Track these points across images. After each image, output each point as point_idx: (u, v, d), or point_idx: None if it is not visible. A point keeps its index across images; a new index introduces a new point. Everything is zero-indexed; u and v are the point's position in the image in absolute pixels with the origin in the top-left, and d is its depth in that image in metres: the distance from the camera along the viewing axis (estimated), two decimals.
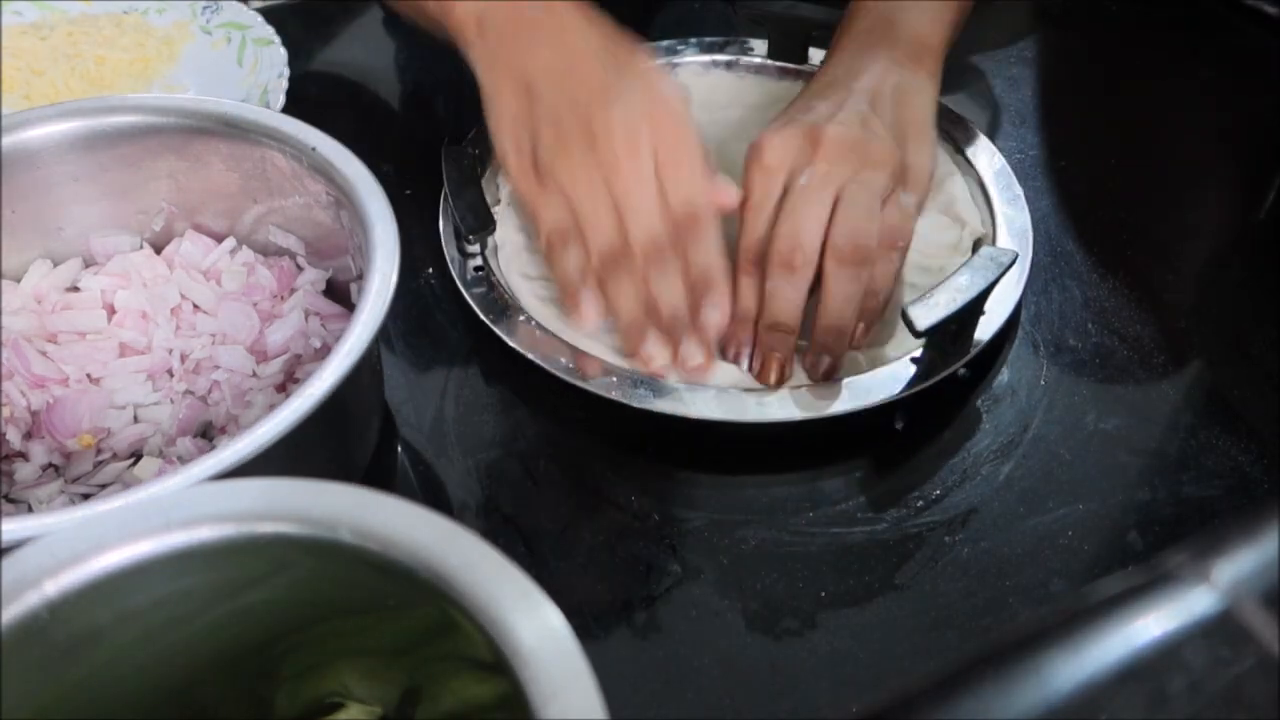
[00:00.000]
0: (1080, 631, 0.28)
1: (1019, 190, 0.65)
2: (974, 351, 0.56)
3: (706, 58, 0.73)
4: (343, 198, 0.52)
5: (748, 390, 0.55)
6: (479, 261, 0.60)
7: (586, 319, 0.55)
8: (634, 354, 0.55)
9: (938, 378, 0.55)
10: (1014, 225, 0.63)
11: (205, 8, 0.77)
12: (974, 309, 0.55)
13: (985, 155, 0.67)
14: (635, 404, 0.54)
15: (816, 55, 0.74)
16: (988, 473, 0.56)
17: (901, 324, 0.55)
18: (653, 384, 0.55)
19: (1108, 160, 0.73)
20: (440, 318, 0.62)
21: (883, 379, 0.55)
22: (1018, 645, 0.28)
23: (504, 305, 0.59)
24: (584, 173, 0.54)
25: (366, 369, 0.51)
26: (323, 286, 0.58)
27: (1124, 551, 0.53)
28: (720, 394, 0.54)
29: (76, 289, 0.57)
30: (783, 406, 0.54)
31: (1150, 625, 0.28)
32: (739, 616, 0.50)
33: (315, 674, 0.40)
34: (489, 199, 0.63)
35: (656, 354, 0.55)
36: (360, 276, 0.49)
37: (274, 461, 0.41)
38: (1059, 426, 0.57)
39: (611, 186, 0.54)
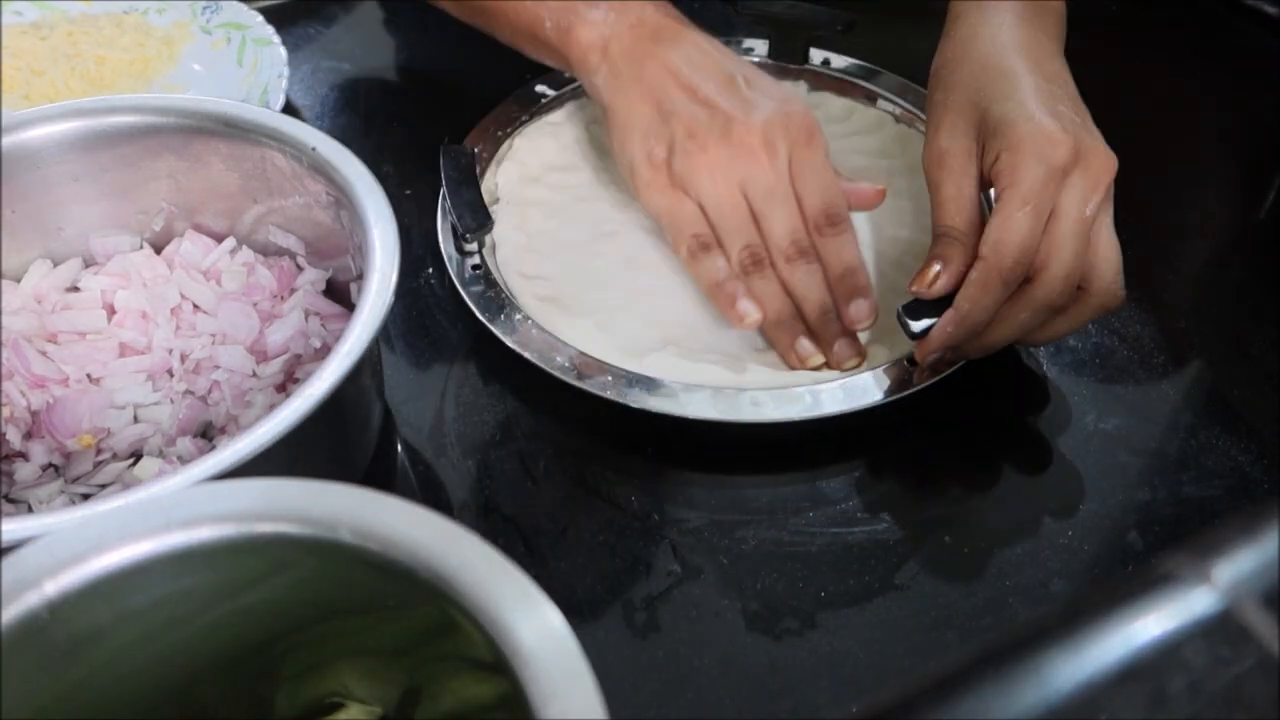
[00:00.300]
0: (1080, 631, 0.28)
1: None
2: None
3: None
4: (343, 198, 0.52)
5: (743, 390, 0.55)
6: (477, 260, 0.60)
7: (746, 320, 0.56)
8: (785, 352, 0.57)
9: (936, 379, 0.55)
10: None
11: (205, 8, 0.77)
12: None
13: None
14: (633, 404, 0.54)
15: (817, 55, 0.74)
16: (988, 473, 0.56)
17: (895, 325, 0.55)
18: (649, 384, 0.55)
19: None
20: (440, 318, 0.62)
21: (876, 381, 0.55)
22: (1018, 645, 0.28)
23: (501, 304, 0.59)
24: (723, 175, 0.56)
25: (366, 369, 0.51)
26: (323, 286, 0.58)
27: (1124, 551, 0.53)
28: (717, 394, 0.54)
29: (76, 289, 0.57)
30: (779, 406, 0.54)
31: (1150, 625, 0.28)
32: (739, 616, 0.50)
33: (315, 674, 0.40)
34: (486, 198, 0.63)
35: (810, 354, 0.57)
36: (360, 276, 0.49)
37: (274, 461, 0.41)
38: (1059, 426, 0.57)
39: (749, 190, 0.56)
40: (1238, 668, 0.27)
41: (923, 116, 0.70)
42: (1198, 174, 0.74)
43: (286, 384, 0.54)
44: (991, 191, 0.56)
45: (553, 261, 0.62)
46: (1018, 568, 0.51)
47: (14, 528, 0.38)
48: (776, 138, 0.56)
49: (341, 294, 0.57)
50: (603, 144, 0.69)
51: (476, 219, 0.60)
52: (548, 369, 0.56)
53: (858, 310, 0.56)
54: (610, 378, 0.55)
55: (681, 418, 0.54)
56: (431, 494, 0.55)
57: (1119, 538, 0.53)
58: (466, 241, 0.60)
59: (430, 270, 0.64)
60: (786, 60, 0.74)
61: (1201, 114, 0.78)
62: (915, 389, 0.55)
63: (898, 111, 0.72)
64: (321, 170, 0.52)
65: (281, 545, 0.34)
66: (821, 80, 0.74)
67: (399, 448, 0.57)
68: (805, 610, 0.50)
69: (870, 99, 0.73)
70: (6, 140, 0.54)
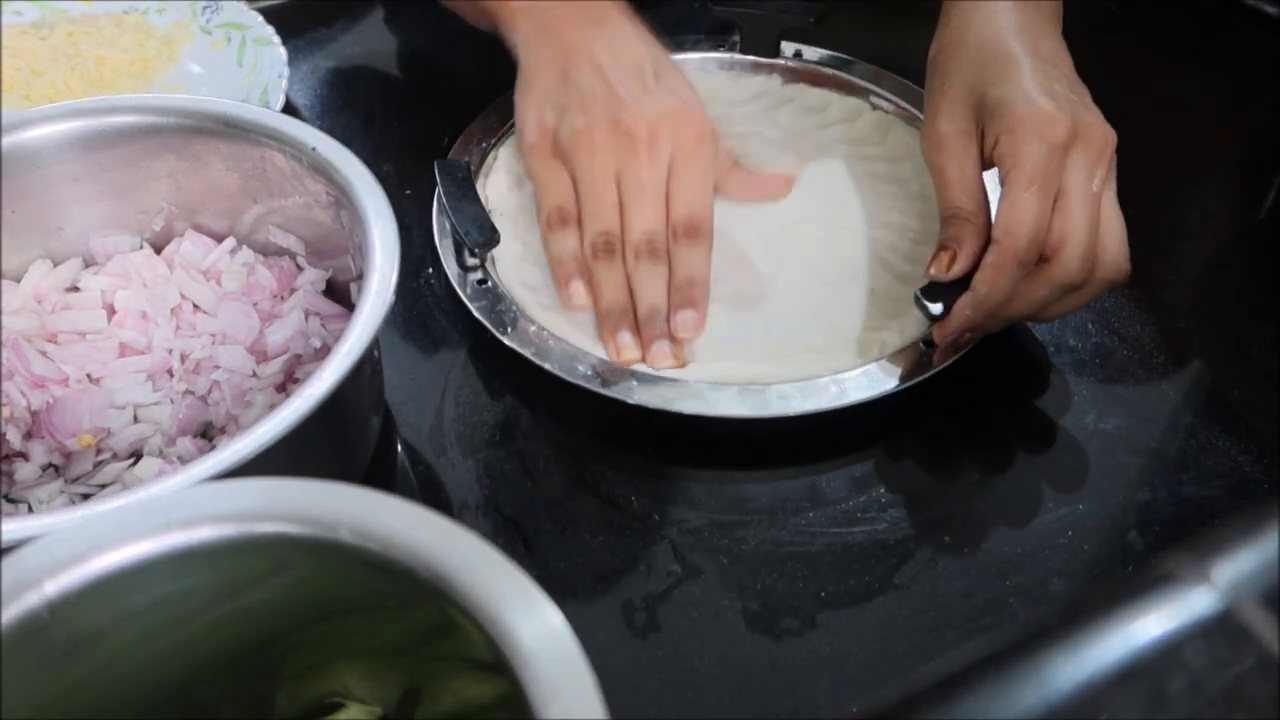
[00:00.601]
0: (1080, 631, 0.28)
1: (995, 171, 0.64)
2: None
3: (680, 55, 0.73)
4: (343, 198, 0.52)
5: (755, 386, 0.55)
6: (481, 275, 0.60)
7: (572, 301, 0.57)
8: (606, 339, 0.57)
9: (957, 356, 0.56)
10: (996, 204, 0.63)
11: (205, 8, 0.77)
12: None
13: None
14: (663, 407, 0.54)
15: (789, 49, 0.75)
16: (988, 473, 0.56)
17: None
18: (675, 386, 0.55)
19: None
20: (440, 318, 0.62)
21: (895, 366, 0.56)
22: (1018, 645, 0.28)
23: (513, 317, 0.58)
24: (601, 158, 0.57)
25: (366, 369, 0.51)
26: (323, 286, 0.58)
27: (1124, 551, 0.53)
28: (744, 391, 0.54)
29: (76, 289, 0.57)
30: (807, 398, 0.54)
31: (1150, 625, 0.28)
32: (739, 616, 0.50)
33: (315, 674, 0.40)
34: None
35: (627, 347, 0.56)
36: (360, 276, 0.49)
37: (274, 461, 0.41)
38: (1059, 427, 0.57)
39: (622, 179, 0.57)
40: (1238, 668, 0.27)
41: (901, 104, 0.71)
42: (1198, 174, 0.74)
43: (286, 384, 0.54)
44: (991, 173, 0.57)
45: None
46: (1018, 568, 0.51)
47: (14, 528, 0.38)
48: (662, 136, 0.57)
49: (341, 294, 0.57)
50: None
51: (484, 234, 0.59)
52: (571, 379, 0.55)
53: (684, 320, 0.56)
54: (635, 383, 0.55)
55: (692, 415, 0.54)
56: (431, 494, 0.55)
57: (1119, 538, 0.53)
58: (475, 257, 0.60)
59: (430, 270, 0.65)
60: (759, 54, 0.74)
61: (1201, 114, 0.78)
62: (936, 369, 0.56)
63: (874, 100, 0.72)
64: (321, 170, 0.52)
65: (281, 545, 0.34)
66: (795, 73, 0.74)
67: (399, 448, 0.57)
68: (805, 610, 0.50)
69: (845, 89, 0.73)
70: (6, 140, 0.54)
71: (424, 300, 0.63)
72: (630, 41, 0.61)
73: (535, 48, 0.61)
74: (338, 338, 0.45)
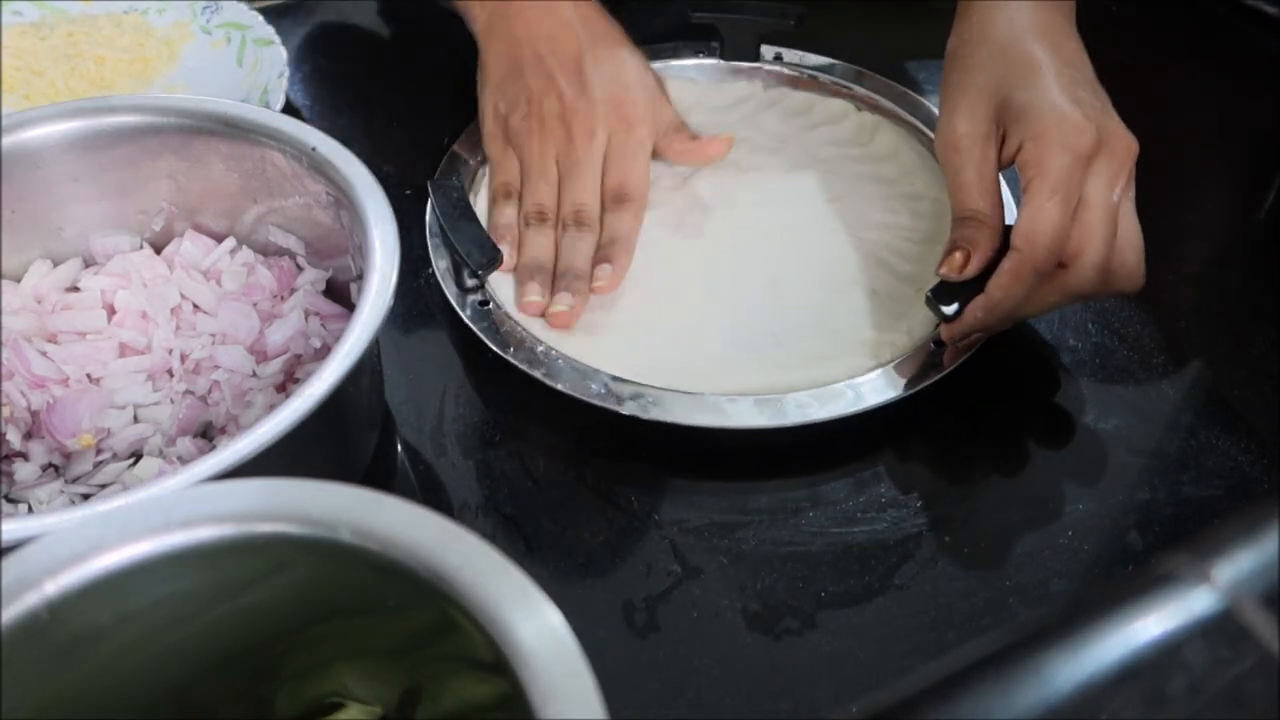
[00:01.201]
0: (1080, 631, 0.28)
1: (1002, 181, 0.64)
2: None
3: (660, 63, 0.73)
4: (343, 198, 0.52)
5: (772, 396, 0.55)
6: (482, 296, 0.59)
7: (502, 262, 0.61)
8: (518, 290, 0.61)
9: (943, 372, 0.56)
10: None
11: (205, 8, 0.77)
12: (984, 279, 0.55)
13: None
14: (681, 421, 0.54)
15: (769, 53, 0.74)
16: (988, 473, 0.56)
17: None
18: (691, 400, 0.54)
19: None
20: (440, 318, 0.62)
21: (906, 369, 0.56)
22: (1018, 645, 0.28)
23: (519, 338, 0.57)
24: (540, 146, 0.64)
25: (366, 369, 0.51)
26: (323, 286, 0.58)
27: (1124, 551, 0.53)
28: (761, 402, 0.54)
29: (76, 289, 0.57)
30: (825, 405, 0.54)
31: (1150, 625, 0.28)
32: (739, 616, 0.50)
33: (315, 674, 0.40)
34: None
35: (532, 293, 0.60)
36: (360, 276, 0.49)
37: (274, 461, 0.41)
38: (1059, 427, 0.57)
39: (561, 159, 0.64)
40: (1238, 668, 0.27)
41: (885, 103, 0.71)
42: (1198, 174, 0.74)
43: (286, 384, 0.54)
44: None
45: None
46: (1018, 568, 0.51)
47: (14, 528, 0.38)
48: (598, 121, 0.63)
49: (341, 294, 0.57)
50: None
51: (485, 254, 0.59)
52: (585, 398, 0.55)
53: (601, 273, 0.60)
54: (650, 399, 0.55)
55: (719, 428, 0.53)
56: (431, 494, 0.55)
57: (1119, 538, 0.53)
58: (477, 279, 0.59)
59: (431, 270, 0.64)
60: (739, 59, 0.74)
61: (1201, 114, 0.78)
62: (949, 369, 0.56)
63: (858, 101, 0.72)
64: (321, 170, 0.52)
65: (281, 545, 0.34)
66: (778, 77, 0.74)
67: (399, 448, 0.57)
68: (805, 610, 0.50)
69: (828, 91, 0.73)
70: (6, 140, 0.54)
71: (424, 300, 0.63)
72: (569, 28, 0.65)
73: (489, 40, 0.66)
74: (338, 338, 0.45)
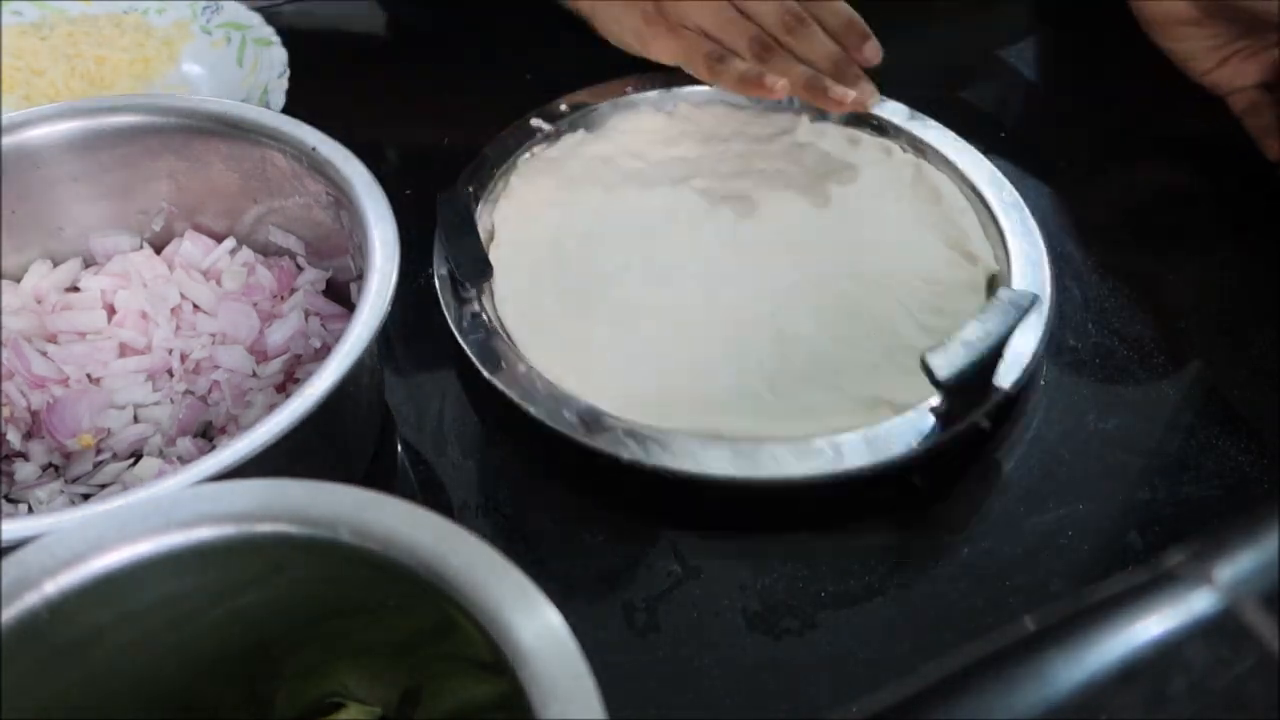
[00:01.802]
0: (1080, 631, 0.28)
1: (1033, 225, 0.63)
2: (993, 401, 0.54)
3: (706, 89, 0.71)
4: (343, 198, 0.52)
5: (762, 443, 0.52)
6: (476, 308, 0.58)
7: (778, 87, 0.64)
8: (822, 100, 0.66)
9: (956, 429, 0.53)
10: (1029, 259, 0.61)
11: (205, 8, 0.77)
12: (994, 355, 0.53)
13: (994, 187, 0.65)
14: (647, 462, 0.51)
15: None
16: (987, 473, 0.56)
17: (915, 370, 0.52)
18: (664, 440, 0.52)
19: (1107, 160, 0.73)
20: (440, 318, 0.62)
21: (900, 431, 0.53)
22: (1018, 645, 0.28)
23: (502, 354, 0.56)
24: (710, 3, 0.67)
25: (366, 369, 0.51)
26: (323, 286, 0.58)
27: (1124, 551, 0.53)
28: (736, 451, 0.52)
29: (76, 289, 0.57)
30: (801, 461, 0.52)
31: (1150, 625, 0.28)
32: (739, 616, 0.50)
33: (315, 674, 0.40)
34: (483, 237, 0.61)
35: (840, 92, 0.66)
36: (360, 276, 0.49)
37: (274, 461, 0.41)
38: (1059, 426, 0.57)
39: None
40: (1238, 668, 0.27)
41: (933, 146, 0.68)
42: (1197, 173, 0.74)
43: (286, 384, 0.54)
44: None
45: (556, 307, 0.60)
46: (1018, 568, 0.51)
47: (14, 528, 0.38)
48: None
49: (341, 294, 0.57)
50: (604, 179, 0.67)
51: (476, 268, 0.58)
52: (555, 426, 0.53)
53: (869, 50, 0.66)
54: (621, 433, 0.53)
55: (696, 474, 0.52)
56: (431, 494, 0.55)
57: (1119, 538, 0.53)
58: (465, 291, 0.59)
59: (430, 270, 0.64)
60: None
61: (1201, 114, 0.78)
62: (933, 443, 0.52)
63: (904, 142, 0.69)
64: (322, 170, 0.52)
65: (281, 545, 0.34)
66: (823, 109, 0.70)
67: (399, 448, 0.57)
68: (805, 610, 0.50)
69: (872, 128, 0.70)
70: (6, 140, 0.54)
71: (424, 300, 0.63)
72: None
73: None
74: (338, 338, 0.45)
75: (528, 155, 0.68)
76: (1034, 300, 0.54)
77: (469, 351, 0.57)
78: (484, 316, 0.58)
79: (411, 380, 0.60)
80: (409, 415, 0.58)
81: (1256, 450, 0.56)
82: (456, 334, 0.57)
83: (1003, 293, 0.55)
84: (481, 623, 0.32)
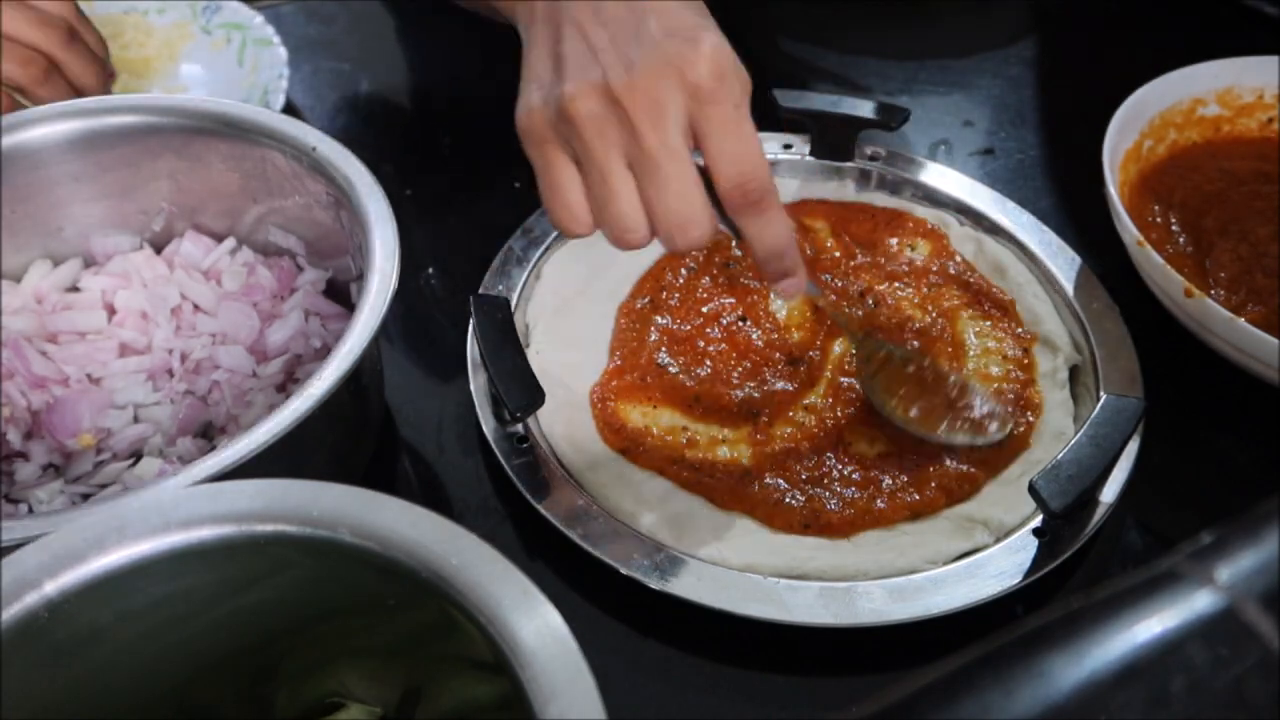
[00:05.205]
0: (1080, 631, 0.28)
1: (1106, 296, 0.60)
2: (1100, 517, 0.51)
3: None
4: (343, 198, 0.52)
5: (837, 586, 0.49)
6: (520, 431, 0.53)
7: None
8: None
9: (1064, 556, 0.50)
10: (1109, 339, 0.58)
11: (205, 8, 0.77)
12: (1105, 475, 0.50)
13: (1059, 255, 0.62)
14: (735, 611, 0.48)
15: (865, 149, 0.67)
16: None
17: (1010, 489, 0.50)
18: (748, 584, 0.49)
19: None
20: (440, 318, 0.62)
21: (1001, 564, 0.50)
22: (1018, 645, 0.28)
23: (551, 479, 0.52)
24: (596, 139, 0.44)
25: (366, 369, 0.51)
26: (323, 286, 0.58)
27: (1124, 551, 0.53)
28: (825, 592, 0.48)
29: (76, 289, 0.57)
30: (896, 601, 0.48)
31: (1151, 625, 0.28)
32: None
33: (315, 674, 0.40)
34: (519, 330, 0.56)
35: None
36: (360, 276, 0.49)
37: (274, 461, 0.41)
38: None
39: (632, 163, 0.45)
40: (1239, 667, 0.27)
41: (985, 214, 0.64)
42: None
43: (286, 384, 0.54)
44: None
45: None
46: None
47: (14, 527, 0.38)
48: (664, 94, 0.43)
49: (341, 294, 0.57)
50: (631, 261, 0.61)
51: (526, 395, 0.51)
52: (627, 572, 0.49)
53: (788, 287, 0.48)
54: (697, 578, 0.48)
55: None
56: (431, 494, 0.55)
57: (1119, 538, 0.53)
58: (516, 419, 0.53)
59: (431, 270, 0.64)
60: (831, 158, 0.67)
61: None
62: (1047, 569, 0.49)
63: (960, 214, 0.65)
64: (321, 170, 0.52)
65: (281, 545, 0.34)
66: (869, 178, 0.67)
67: (399, 448, 0.57)
68: None
69: (925, 197, 0.66)
70: (6, 140, 0.54)
71: (424, 300, 0.63)
72: None
73: (529, 28, 0.48)
74: (338, 338, 0.45)
75: (555, 245, 0.62)
76: (1141, 409, 0.50)
77: (520, 487, 0.52)
78: (529, 442, 0.53)
79: (411, 380, 0.60)
80: (409, 415, 0.58)
81: (1256, 450, 0.56)
82: (503, 463, 0.52)
83: (1108, 401, 0.51)
84: (481, 623, 0.32)
